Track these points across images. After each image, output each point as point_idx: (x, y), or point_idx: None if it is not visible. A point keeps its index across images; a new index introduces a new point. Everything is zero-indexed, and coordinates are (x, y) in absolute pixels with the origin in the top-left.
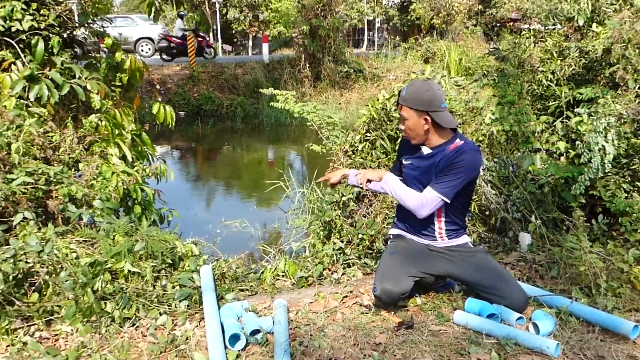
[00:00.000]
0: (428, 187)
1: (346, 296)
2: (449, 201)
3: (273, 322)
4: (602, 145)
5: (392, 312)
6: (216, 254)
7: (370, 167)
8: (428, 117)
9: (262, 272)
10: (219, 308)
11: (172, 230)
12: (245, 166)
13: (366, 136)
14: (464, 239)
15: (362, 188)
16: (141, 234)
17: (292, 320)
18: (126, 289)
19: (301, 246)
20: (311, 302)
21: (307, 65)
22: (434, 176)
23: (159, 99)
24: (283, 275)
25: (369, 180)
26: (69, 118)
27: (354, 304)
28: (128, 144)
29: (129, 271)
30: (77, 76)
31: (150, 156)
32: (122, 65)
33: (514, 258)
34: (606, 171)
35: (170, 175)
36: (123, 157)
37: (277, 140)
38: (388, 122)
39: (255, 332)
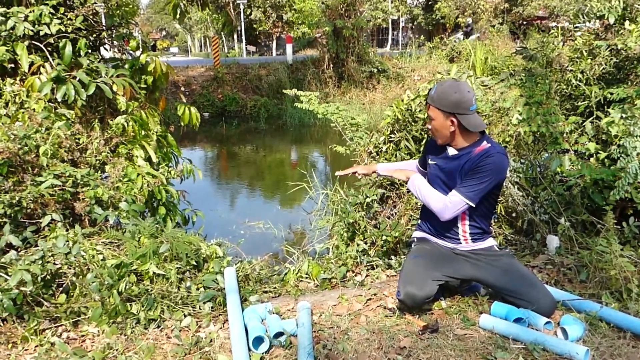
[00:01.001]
0: (453, 190)
1: (370, 299)
2: (474, 205)
3: (297, 325)
4: None
5: (417, 316)
6: (240, 255)
7: None
8: (454, 120)
9: (286, 274)
10: (243, 310)
11: (197, 232)
12: (268, 167)
13: (390, 137)
14: (490, 242)
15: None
16: (166, 235)
17: (315, 323)
18: (151, 290)
19: (324, 247)
20: (335, 305)
21: (331, 65)
22: (459, 179)
23: (184, 101)
24: (306, 277)
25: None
26: (96, 120)
27: (377, 306)
28: (153, 145)
29: (154, 273)
30: (103, 75)
31: (175, 157)
32: (147, 67)
33: (542, 261)
34: None
35: (198, 175)
36: (148, 159)
37: (300, 141)
38: (413, 123)
39: (278, 334)
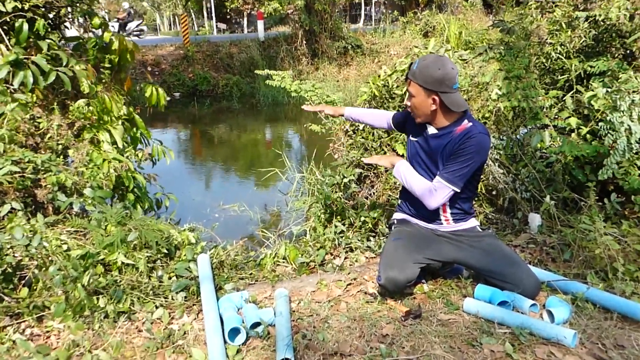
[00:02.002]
0: (437, 177)
1: (350, 284)
2: (459, 190)
3: (274, 314)
4: (628, 125)
5: (399, 301)
6: (214, 240)
7: (372, 147)
8: (436, 98)
9: (262, 259)
10: (218, 299)
11: (169, 217)
12: (242, 147)
13: None
14: (472, 222)
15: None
16: (135, 222)
17: (294, 311)
18: (120, 281)
19: (302, 230)
20: (314, 291)
21: (304, 42)
22: (440, 159)
23: (150, 80)
24: (284, 261)
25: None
26: (55, 104)
27: (358, 292)
28: (119, 128)
29: (123, 263)
30: (64, 64)
31: (144, 139)
32: (110, 46)
33: (524, 240)
34: (633, 152)
35: (170, 156)
36: (115, 143)
37: (274, 120)
38: (390, 100)
39: (256, 324)
